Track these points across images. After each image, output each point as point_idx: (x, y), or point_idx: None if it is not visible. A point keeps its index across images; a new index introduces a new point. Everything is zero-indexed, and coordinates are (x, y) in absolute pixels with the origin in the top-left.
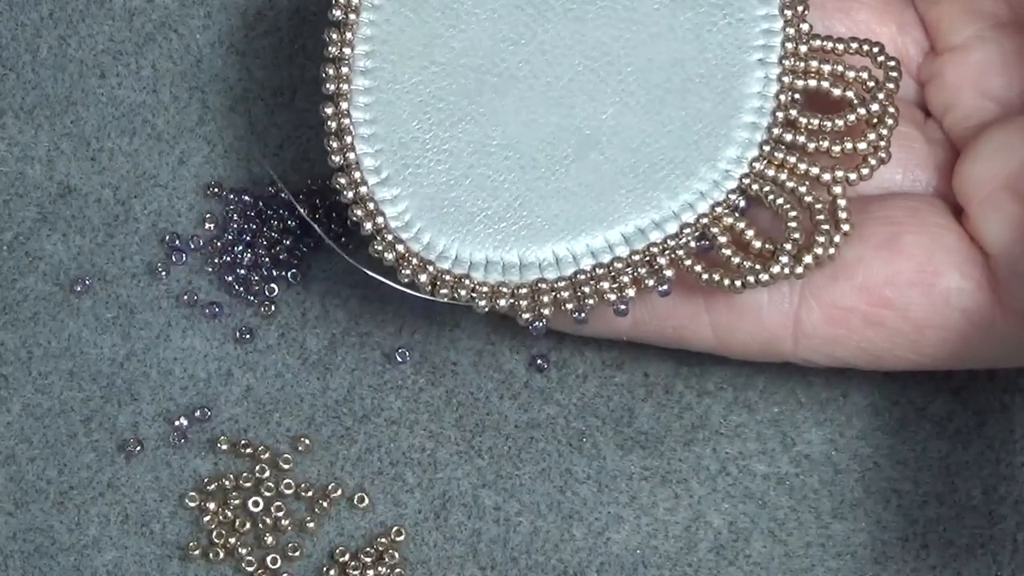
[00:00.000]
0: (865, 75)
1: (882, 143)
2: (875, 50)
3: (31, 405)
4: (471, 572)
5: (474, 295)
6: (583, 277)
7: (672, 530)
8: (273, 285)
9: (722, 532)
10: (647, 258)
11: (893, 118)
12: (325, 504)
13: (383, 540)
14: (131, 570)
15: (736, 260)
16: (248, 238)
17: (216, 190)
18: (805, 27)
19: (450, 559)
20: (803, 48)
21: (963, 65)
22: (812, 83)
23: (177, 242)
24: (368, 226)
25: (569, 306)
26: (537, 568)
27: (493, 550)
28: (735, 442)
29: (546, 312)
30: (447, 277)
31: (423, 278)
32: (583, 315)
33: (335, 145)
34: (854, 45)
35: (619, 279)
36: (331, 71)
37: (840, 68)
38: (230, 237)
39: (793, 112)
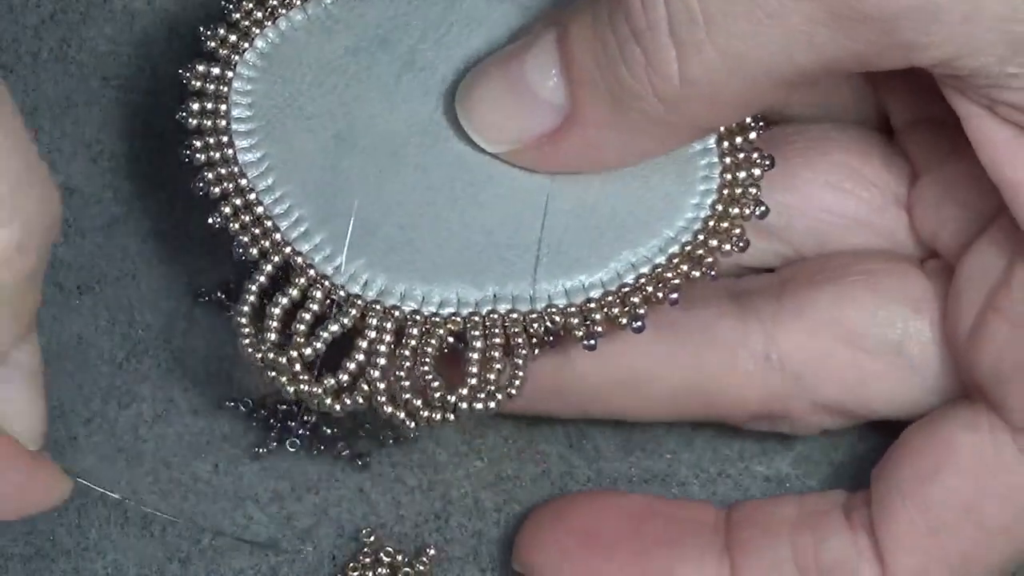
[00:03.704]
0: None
1: None
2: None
3: None
4: (471, 573)
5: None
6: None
7: None
8: None
9: None
10: None
11: None
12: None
13: (383, 540)
14: (131, 573)
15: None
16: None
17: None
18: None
19: (450, 560)
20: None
21: (940, 182)
22: None
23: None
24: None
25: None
26: None
27: (493, 551)
28: (735, 443)
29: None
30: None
31: None
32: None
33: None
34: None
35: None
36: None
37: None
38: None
39: None
